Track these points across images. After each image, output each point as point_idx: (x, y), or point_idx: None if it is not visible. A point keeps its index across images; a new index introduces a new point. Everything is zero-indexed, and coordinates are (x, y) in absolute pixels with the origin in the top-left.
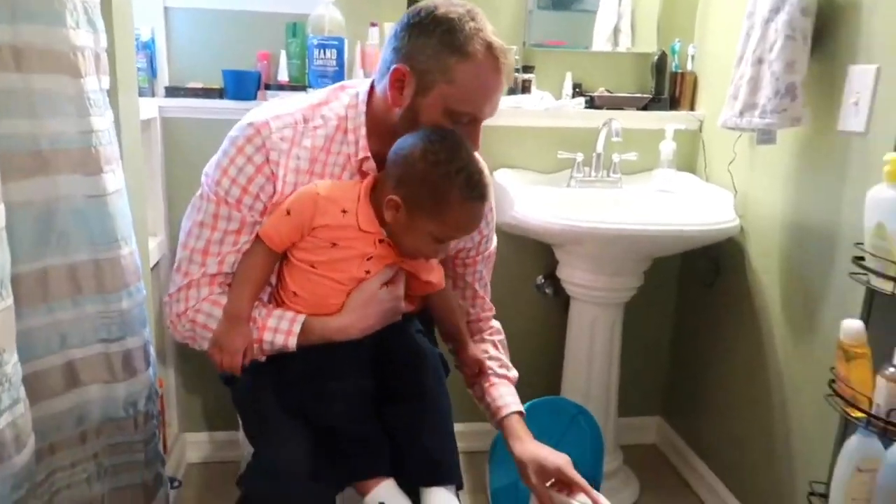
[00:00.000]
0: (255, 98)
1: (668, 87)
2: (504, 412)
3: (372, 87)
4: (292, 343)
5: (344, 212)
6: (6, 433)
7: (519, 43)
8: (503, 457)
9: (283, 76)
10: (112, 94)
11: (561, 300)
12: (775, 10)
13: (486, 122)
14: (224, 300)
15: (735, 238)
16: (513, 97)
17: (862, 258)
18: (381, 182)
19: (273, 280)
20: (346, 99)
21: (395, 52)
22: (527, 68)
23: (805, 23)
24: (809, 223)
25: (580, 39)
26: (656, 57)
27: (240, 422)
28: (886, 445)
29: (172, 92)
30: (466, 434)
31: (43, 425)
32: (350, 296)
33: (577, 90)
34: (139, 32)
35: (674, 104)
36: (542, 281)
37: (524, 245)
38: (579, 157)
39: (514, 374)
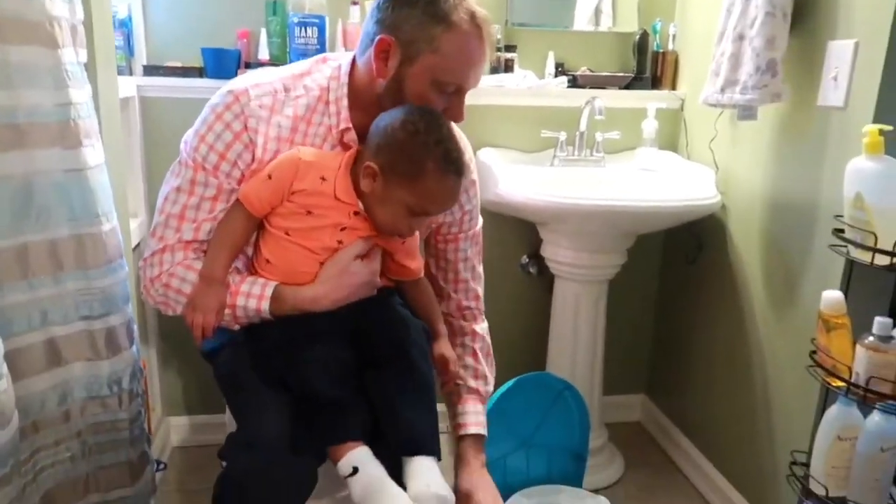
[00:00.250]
0: (235, 77)
1: (649, 67)
2: (461, 431)
3: (353, 61)
4: (265, 307)
5: (322, 179)
6: None
7: (501, 22)
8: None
9: (263, 54)
10: (90, 69)
11: (545, 279)
12: None
13: (469, 101)
14: (199, 265)
15: (717, 215)
16: (495, 76)
17: (842, 230)
18: (361, 153)
19: (249, 251)
20: (328, 71)
21: (378, 23)
22: (509, 48)
23: None
24: (790, 198)
25: (561, 19)
26: (638, 36)
27: (225, 402)
28: (865, 414)
29: (151, 71)
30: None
31: (26, 403)
32: (323, 266)
33: (560, 69)
34: (116, 10)
35: (655, 83)
36: (527, 261)
37: (508, 225)
38: (562, 135)
39: (487, 387)
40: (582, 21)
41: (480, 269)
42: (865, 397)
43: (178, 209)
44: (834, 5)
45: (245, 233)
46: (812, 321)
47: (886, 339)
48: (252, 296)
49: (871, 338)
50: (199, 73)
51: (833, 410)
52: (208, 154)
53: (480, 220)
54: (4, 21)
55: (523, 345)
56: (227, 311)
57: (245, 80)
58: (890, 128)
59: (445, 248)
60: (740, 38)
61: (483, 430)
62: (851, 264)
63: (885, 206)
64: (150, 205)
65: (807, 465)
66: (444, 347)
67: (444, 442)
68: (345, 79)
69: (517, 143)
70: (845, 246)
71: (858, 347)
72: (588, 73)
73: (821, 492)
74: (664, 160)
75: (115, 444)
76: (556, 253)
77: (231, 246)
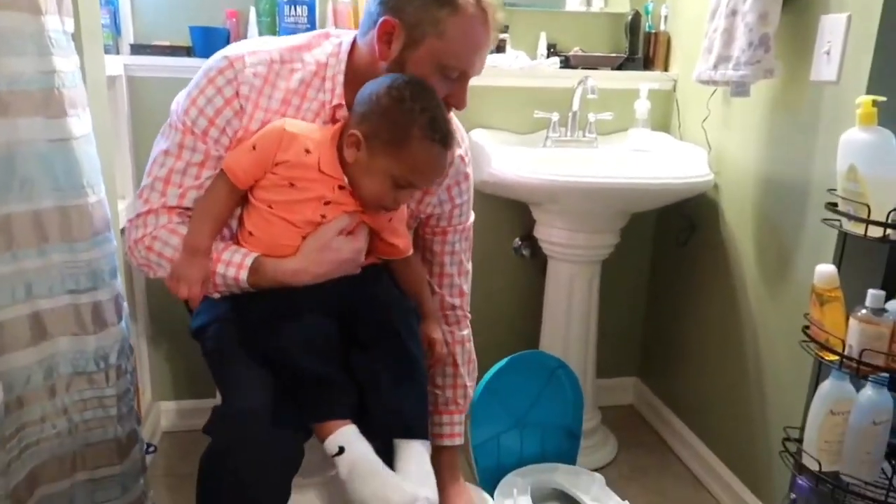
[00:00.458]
0: None
1: (641, 48)
2: (436, 442)
3: (355, 41)
4: (243, 276)
5: (307, 151)
6: None
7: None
8: (483, 413)
9: (252, 34)
10: (76, 43)
11: (539, 262)
12: None
13: None
14: (183, 230)
15: (709, 195)
16: (487, 57)
17: (835, 204)
18: (346, 125)
19: (234, 225)
20: (329, 47)
21: (381, 4)
22: (501, 28)
23: None
24: (782, 175)
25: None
26: (630, 17)
27: (213, 377)
28: (858, 388)
29: (138, 50)
30: None
31: (10, 378)
32: (305, 240)
33: (552, 50)
34: None
35: (648, 64)
36: (520, 243)
37: (500, 207)
38: (555, 116)
39: (466, 399)
40: (574, 1)
41: (469, 265)
42: (858, 370)
43: (165, 172)
44: None
45: (228, 204)
46: (805, 297)
47: (879, 311)
48: (232, 264)
49: (864, 310)
50: (187, 52)
51: (826, 385)
52: (198, 118)
53: (472, 216)
54: None
55: (516, 327)
56: None
57: (242, 46)
58: (883, 98)
59: (433, 241)
60: (733, 13)
61: (459, 441)
62: (845, 238)
63: (878, 176)
64: (139, 185)
65: (800, 440)
66: (431, 328)
67: None
68: (344, 56)
69: (509, 125)
70: (838, 220)
71: (851, 320)
72: (580, 53)
73: (814, 466)
74: (657, 141)
75: (103, 422)
76: (549, 234)
77: (214, 217)
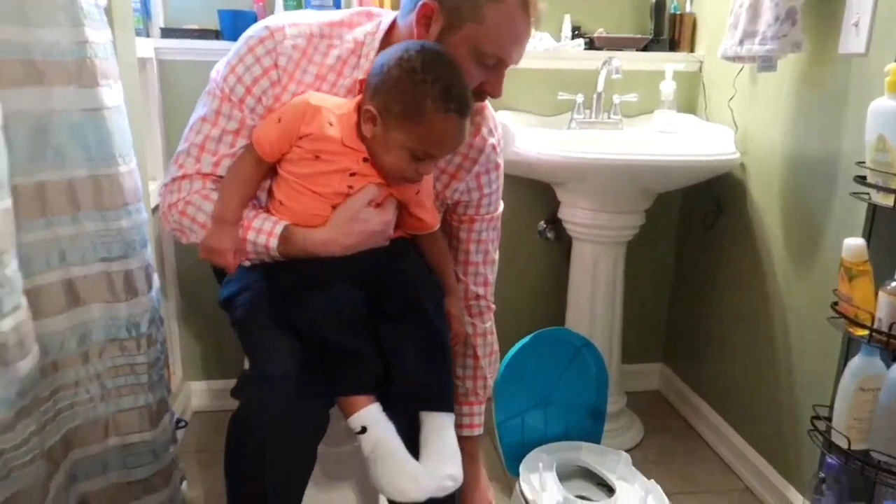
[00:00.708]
0: None
1: (667, 29)
2: (458, 432)
3: (394, 22)
4: (273, 244)
5: (330, 124)
6: (9, 337)
7: None
8: (506, 391)
9: None
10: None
11: (563, 245)
12: None
13: None
14: (216, 196)
15: (736, 175)
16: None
17: (863, 177)
18: (363, 96)
19: (263, 198)
20: (368, 26)
21: None
22: None
23: None
24: (811, 151)
25: None
26: None
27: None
28: (888, 364)
29: (168, 33)
30: None
31: (45, 342)
32: (335, 211)
33: (576, 33)
34: None
35: (673, 46)
36: (545, 226)
37: (525, 189)
38: (580, 98)
39: (486, 389)
40: None
41: (496, 255)
42: (888, 343)
43: (201, 139)
44: None
45: (256, 177)
46: (833, 276)
47: None
48: (262, 231)
49: (893, 283)
50: (216, 35)
51: (855, 361)
52: (236, 86)
53: (501, 206)
54: None
55: (541, 311)
56: None
57: (284, 17)
58: None
59: (459, 228)
60: None
61: (479, 432)
62: (874, 211)
63: None
64: (169, 168)
65: (829, 419)
66: (451, 304)
67: None
68: (381, 35)
69: (534, 107)
70: (867, 193)
71: (881, 294)
72: (605, 35)
73: (843, 444)
74: (683, 122)
75: (134, 389)
76: (573, 214)
77: (243, 188)
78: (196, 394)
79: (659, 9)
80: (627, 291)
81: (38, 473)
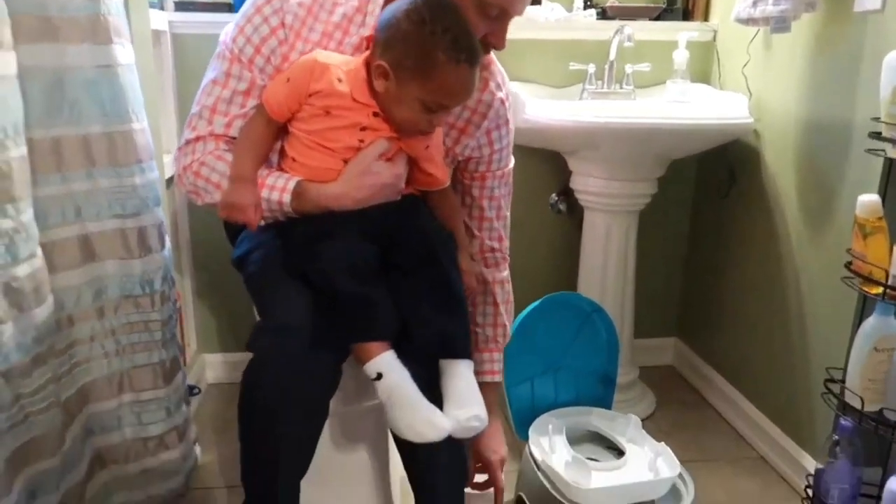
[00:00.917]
0: None
1: None
2: (480, 378)
3: None
4: (286, 200)
5: (339, 80)
6: (25, 283)
7: None
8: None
9: None
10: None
11: (576, 218)
12: None
13: None
14: (229, 157)
15: (750, 143)
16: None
17: (879, 133)
18: (373, 53)
19: (275, 160)
20: None
21: None
22: None
23: None
24: (825, 113)
25: None
26: None
27: (253, 303)
28: None
29: (182, 6)
30: None
31: (61, 296)
32: (346, 166)
33: (588, 3)
34: None
35: (687, 16)
36: (556, 198)
37: (536, 160)
38: (591, 68)
39: (505, 337)
40: None
41: (508, 212)
42: None
43: (212, 101)
44: None
45: (268, 137)
46: (848, 238)
47: None
48: (276, 188)
49: None
50: (229, 8)
51: (870, 321)
52: (245, 46)
53: (512, 161)
54: None
55: (553, 285)
56: None
57: None
58: None
59: (471, 185)
60: None
61: (500, 378)
62: (890, 166)
63: None
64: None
65: (842, 382)
66: (463, 260)
67: None
68: None
69: (545, 78)
70: (882, 150)
71: None
72: (617, 4)
73: (857, 404)
74: (696, 92)
75: (148, 346)
76: (585, 183)
77: (256, 148)
78: (211, 365)
79: None
80: (641, 265)
81: (53, 422)
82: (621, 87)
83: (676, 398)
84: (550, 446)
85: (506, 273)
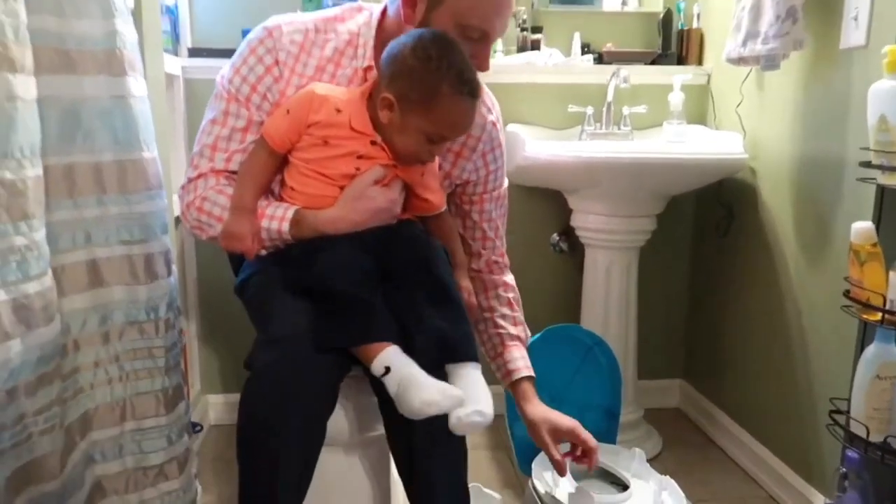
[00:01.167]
0: None
1: (675, 44)
2: (515, 376)
3: (384, 11)
4: (285, 228)
5: (338, 111)
6: (35, 301)
7: (528, 3)
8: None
9: None
10: (140, 48)
11: (577, 257)
12: None
13: (496, 79)
14: (230, 190)
15: (746, 180)
16: (522, 54)
17: (869, 162)
18: (376, 85)
19: (276, 190)
20: (361, 19)
21: None
22: (535, 29)
23: None
24: (818, 148)
25: None
26: (662, 14)
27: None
28: None
29: (195, 52)
30: None
31: (68, 320)
32: (343, 192)
33: (586, 49)
34: None
35: (681, 61)
36: (557, 238)
37: (537, 202)
38: (590, 110)
39: (526, 333)
40: (609, 1)
41: (504, 229)
42: None
43: (212, 140)
44: None
45: (269, 168)
46: (847, 267)
47: None
48: (275, 218)
49: None
50: None
51: (871, 349)
52: (241, 85)
53: (506, 181)
54: None
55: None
56: None
57: (280, 17)
58: None
59: (471, 210)
60: None
61: (531, 373)
62: (882, 193)
63: None
64: None
65: (847, 412)
66: (462, 277)
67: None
68: (374, 23)
69: (545, 120)
70: (873, 178)
71: (892, 274)
72: (613, 49)
73: (862, 433)
74: (692, 132)
75: (151, 372)
76: (586, 220)
77: (257, 180)
78: (214, 406)
79: (666, 25)
80: (643, 304)
81: (55, 444)
82: (619, 129)
83: (683, 439)
84: (554, 481)
85: (511, 277)
